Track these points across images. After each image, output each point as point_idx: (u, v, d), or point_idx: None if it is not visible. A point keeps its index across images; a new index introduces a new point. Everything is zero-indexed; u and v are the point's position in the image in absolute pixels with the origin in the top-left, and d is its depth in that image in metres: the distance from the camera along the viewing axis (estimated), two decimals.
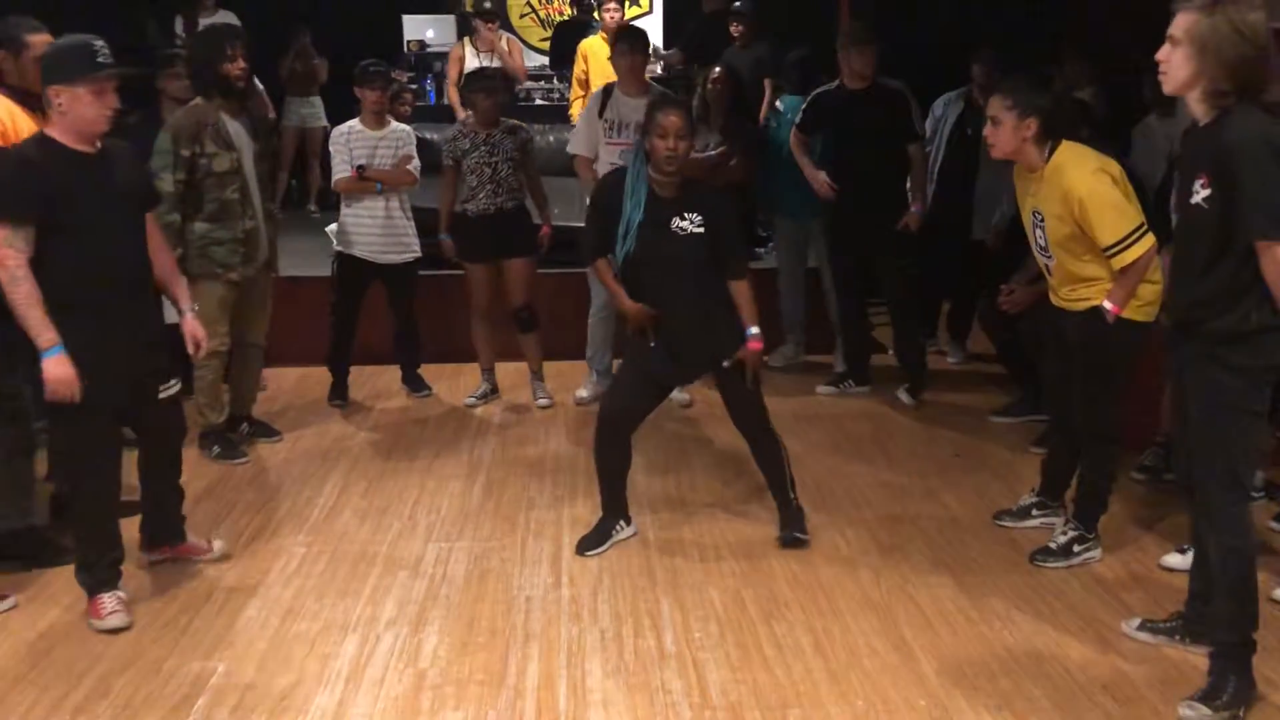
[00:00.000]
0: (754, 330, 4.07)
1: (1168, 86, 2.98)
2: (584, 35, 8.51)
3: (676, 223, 4.02)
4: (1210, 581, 3.21)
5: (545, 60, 10.14)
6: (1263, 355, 3.00)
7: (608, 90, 5.75)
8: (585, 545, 4.23)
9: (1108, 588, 3.91)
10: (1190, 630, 3.41)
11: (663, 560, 4.15)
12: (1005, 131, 3.88)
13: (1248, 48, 2.82)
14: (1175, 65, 2.93)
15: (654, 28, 10.88)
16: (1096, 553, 4.10)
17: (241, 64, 4.91)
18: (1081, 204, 3.74)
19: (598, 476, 4.30)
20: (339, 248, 5.91)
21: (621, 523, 4.31)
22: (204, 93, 4.95)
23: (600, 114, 5.66)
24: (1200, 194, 2.97)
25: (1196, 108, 2.97)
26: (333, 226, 6.25)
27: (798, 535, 4.22)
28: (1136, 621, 3.58)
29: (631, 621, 3.70)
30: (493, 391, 6.11)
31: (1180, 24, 2.91)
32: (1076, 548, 4.08)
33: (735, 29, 7.95)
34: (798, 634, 3.60)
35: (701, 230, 4.02)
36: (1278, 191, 2.86)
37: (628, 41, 5.71)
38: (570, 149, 5.81)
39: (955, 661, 3.43)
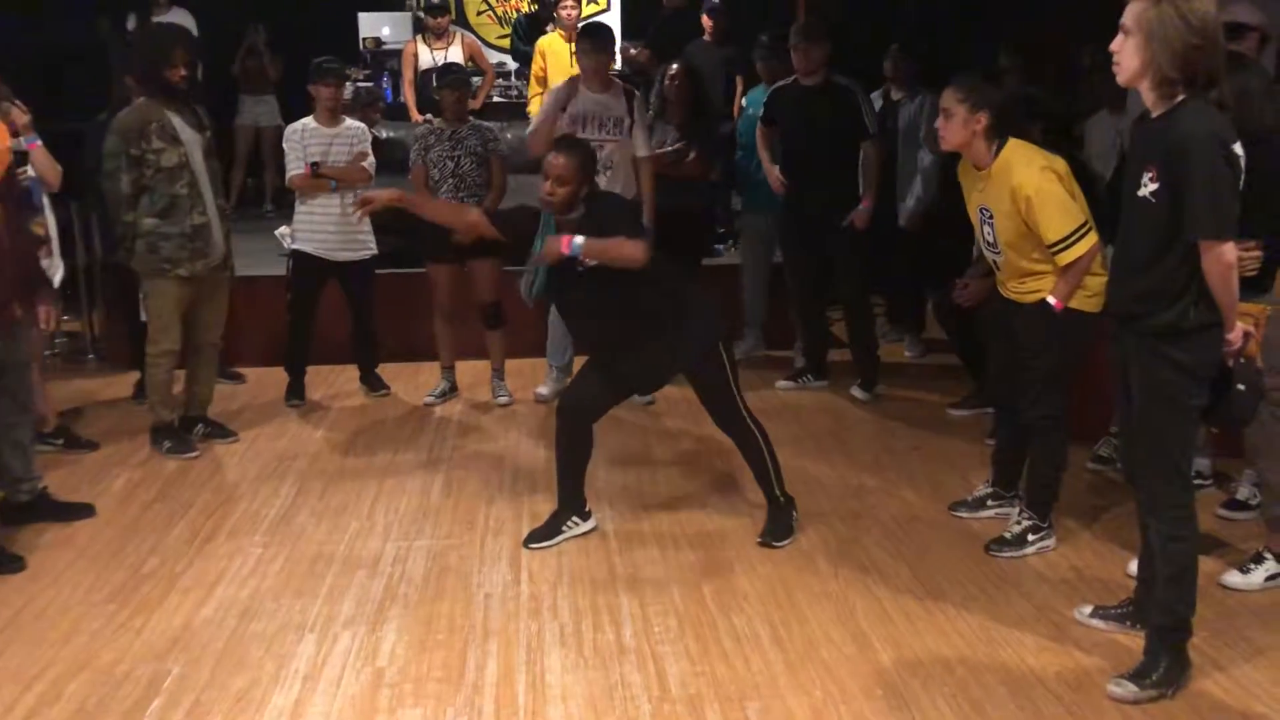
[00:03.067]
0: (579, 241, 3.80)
1: (1120, 77, 3.02)
2: (544, 32, 8.49)
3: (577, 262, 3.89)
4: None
5: (503, 57, 10.10)
6: (1201, 352, 3.04)
7: (573, 83, 5.71)
8: (534, 538, 4.23)
9: (1062, 576, 3.96)
10: (1141, 616, 3.45)
11: (622, 555, 4.15)
12: (956, 124, 3.92)
13: (1195, 36, 2.85)
14: (1126, 55, 2.97)
15: (611, 24, 10.86)
16: (1050, 542, 4.15)
17: (183, 71, 4.90)
18: (1028, 201, 3.79)
19: (556, 468, 4.29)
20: (294, 245, 5.86)
21: (575, 519, 4.29)
22: (148, 91, 4.93)
23: (564, 107, 5.63)
24: (1148, 187, 3.01)
25: (1148, 98, 3.01)
26: (282, 229, 6.19)
27: (771, 544, 4.18)
28: (1089, 608, 3.63)
29: (591, 616, 3.70)
30: (452, 390, 6.09)
31: (1130, 13, 2.95)
32: (1030, 537, 4.12)
33: (709, 24, 7.93)
34: (756, 626, 3.62)
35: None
36: (1224, 191, 2.90)
37: (590, 40, 5.67)
38: (528, 131, 5.77)
39: (912, 651, 3.46)
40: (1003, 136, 3.92)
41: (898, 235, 6.29)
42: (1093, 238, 3.79)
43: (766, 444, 4.22)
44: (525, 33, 9.58)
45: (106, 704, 3.20)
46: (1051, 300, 3.87)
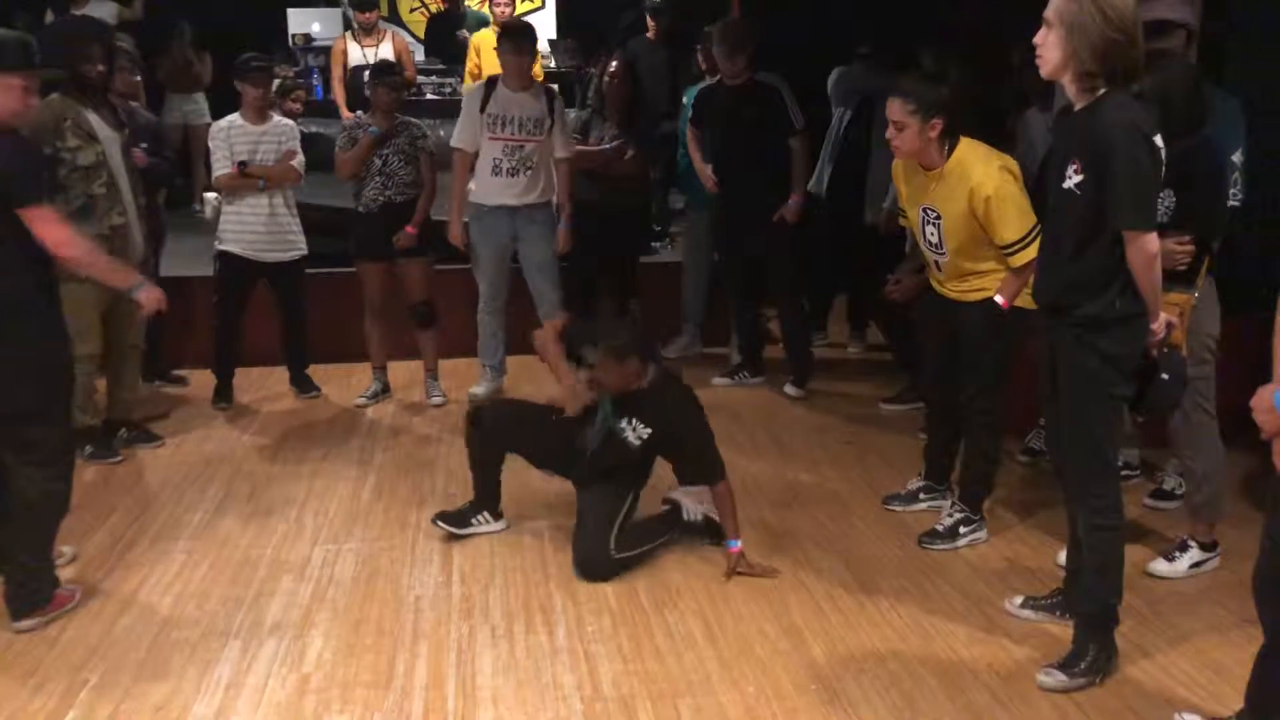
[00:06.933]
0: (735, 543, 3.95)
1: (1043, 69, 3.04)
2: (457, 27, 8.41)
3: (623, 426, 3.98)
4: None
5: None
6: (1126, 342, 3.07)
7: (491, 83, 5.66)
8: (442, 517, 4.21)
9: (993, 568, 3.99)
10: (1070, 606, 3.48)
11: (556, 555, 4.11)
12: (910, 135, 3.80)
13: (1113, 30, 2.88)
14: (1049, 48, 2.99)
15: (547, 21, 10.84)
16: (982, 534, 4.18)
17: (100, 68, 4.76)
18: (988, 201, 3.75)
19: (468, 463, 4.24)
20: (221, 246, 5.73)
21: (486, 514, 4.26)
22: (62, 86, 4.76)
23: (482, 108, 5.58)
24: (1073, 179, 3.02)
25: (1070, 90, 3.03)
26: (208, 195, 6.02)
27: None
28: (1019, 599, 3.66)
29: (523, 617, 3.65)
30: (384, 391, 6.00)
31: (1052, 6, 2.98)
32: (962, 529, 4.15)
33: (652, 24, 7.85)
34: (689, 623, 3.60)
35: (646, 438, 3.98)
36: (1146, 182, 2.93)
37: (512, 41, 5.60)
38: (453, 143, 5.72)
39: (845, 645, 3.47)
40: (954, 136, 3.85)
41: (865, 233, 6.16)
42: None
43: (656, 540, 4.12)
44: (436, 32, 9.53)
45: (18, 717, 3.09)
46: (999, 300, 3.86)
